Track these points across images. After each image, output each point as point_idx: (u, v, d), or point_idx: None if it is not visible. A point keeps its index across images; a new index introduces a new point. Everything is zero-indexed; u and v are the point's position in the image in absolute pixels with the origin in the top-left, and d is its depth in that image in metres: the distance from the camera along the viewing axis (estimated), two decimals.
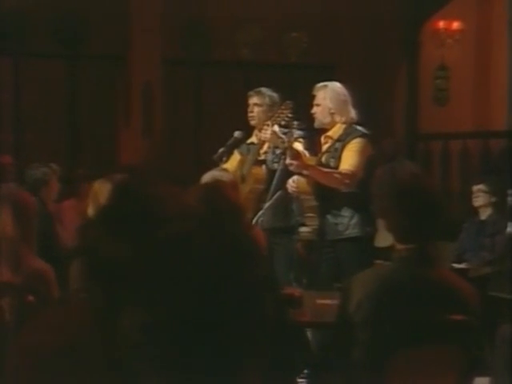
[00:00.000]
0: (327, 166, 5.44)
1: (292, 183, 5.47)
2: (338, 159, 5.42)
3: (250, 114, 6.09)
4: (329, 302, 3.90)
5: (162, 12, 8.81)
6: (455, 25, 9.63)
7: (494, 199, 6.84)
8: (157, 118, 8.86)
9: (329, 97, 5.50)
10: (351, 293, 2.89)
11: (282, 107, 5.85)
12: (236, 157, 6.17)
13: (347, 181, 5.30)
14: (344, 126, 5.49)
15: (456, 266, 6.45)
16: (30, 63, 8.72)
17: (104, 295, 1.71)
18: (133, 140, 8.82)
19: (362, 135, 5.46)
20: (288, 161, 5.28)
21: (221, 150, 6.17)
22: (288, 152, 5.33)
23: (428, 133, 9.19)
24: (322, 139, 5.62)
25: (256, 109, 6.04)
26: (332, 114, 5.48)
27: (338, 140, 5.47)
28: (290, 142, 5.55)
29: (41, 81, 8.70)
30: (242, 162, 6.08)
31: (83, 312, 1.74)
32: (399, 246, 2.94)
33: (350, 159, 5.37)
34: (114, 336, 1.68)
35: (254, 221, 5.32)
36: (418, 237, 2.89)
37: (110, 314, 1.70)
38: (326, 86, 5.57)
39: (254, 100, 6.06)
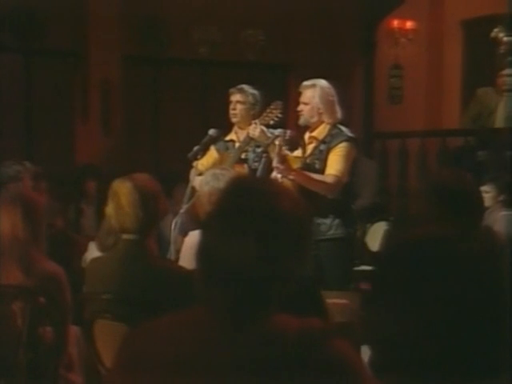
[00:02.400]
0: (312, 167, 5.42)
1: None
2: (324, 162, 5.39)
3: (232, 112, 6.05)
4: None
5: (120, 9, 8.70)
6: (409, 24, 9.78)
7: None
8: (115, 115, 8.74)
9: (318, 96, 5.46)
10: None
11: (272, 107, 5.83)
12: (212, 154, 6.11)
13: (333, 188, 5.30)
14: (329, 126, 5.47)
15: None
16: None
17: (228, 298, 1.69)
18: (91, 137, 8.69)
19: (348, 139, 5.42)
20: (275, 164, 5.25)
21: (195, 147, 6.09)
22: (275, 155, 5.29)
23: (383, 131, 9.29)
24: (306, 139, 5.58)
25: (239, 106, 6.01)
26: (320, 114, 5.45)
27: (323, 142, 5.44)
28: (280, 145, 5.51)
29: None
30: (220, 160, 6.02)
31: (204, 319, 1.71)
32: None
33: (336, 164, 5.33)
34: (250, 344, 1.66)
35: None
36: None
37: (241, 319, 1.68)
38: (314, 84, 5.53)
39: (236, 97, 6.02)
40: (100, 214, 7.87)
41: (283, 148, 5.35)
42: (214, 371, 1.66)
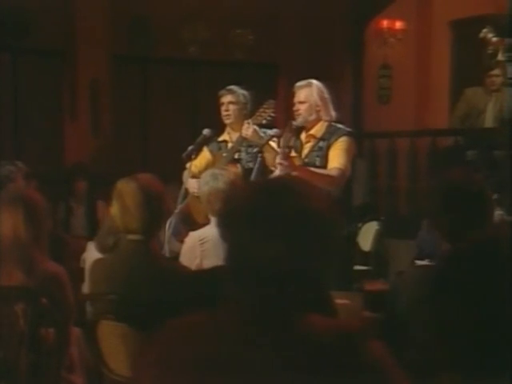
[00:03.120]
0: (312, 165, 5.42)
1: None
2: (325, 158, 5.41)
3: (224, 113, 6.03)
4: None
5: (109, 7, 8.66)
6: (398, 24, 9.79)
7: None
8: (104, 114, 8.70)
9: (316, 93, 5.51)
10: (401, 292, 2.90)
11: (265, 106, 5.84)
12: (205, 155, 6.10)
13: (338, 181, 5.30)
14: (326, 124, 5.51)
15: (419, 263, 6.53)
16: None
17: (259, 297, 1.68)
18: (80, 137, 8.64)
19: (348, 133, 5.48)
20: (278, 160, 5.24)
21: (190, 147, 6.08)
22: (279, 152, 5.30)
23: (372, 131, 9.31)
24: (304, 138, 5.59)
25: (231, 107, 6.00)
26: (318, 112, 5.49)
27: (322, 139, 5.46)
28: (286, 139, 5.50)
29: None
30: (214, 160, 6.01)
31: (234, 318, 1.70)
32: (446, 246, 2.97)
33: (338, 158, 5.36)
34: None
35: None
36: (465, 236, 2.92)
37: (271, 321, 1.67)
38: (310, 83, 5.58)
39: (228, 98, 6.02)
40: (90, 214, 7.89)
41: (291, 139, 5.35)
42: (244, 371, 1.65)
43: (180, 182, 7.54)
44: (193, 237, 4.30)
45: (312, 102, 5.51)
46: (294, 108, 5.57)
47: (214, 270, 3.36)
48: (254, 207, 1.75)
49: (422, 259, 6.73)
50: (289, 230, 1.67)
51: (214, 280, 3.15)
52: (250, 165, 5.81)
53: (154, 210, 3.35)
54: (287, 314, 1.68)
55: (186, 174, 6.06)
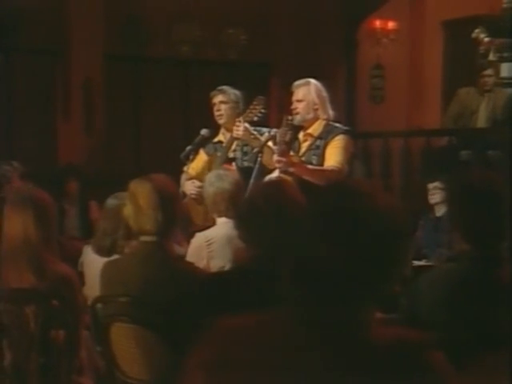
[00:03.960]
0: (309, 163, 5.44)
1: None
2: (321, 157, 5.43)
3: (217, 113, 6.01)
4: None
5: (102, 7, 8.62)
6: (390, 24, 9.79)
7: None
8: (97, 114, 8.65)
9: (314, 92, 5.53)
10: (423, 293, 2.89)
11: (255, 103, 5.84)
12: (202, 157, 6.07)
13: (336, 177, 5.30)
14: (324, 122, 5.53)
15: (416, 263, 6.51)
16: None
17: (318, 299, 1.66)
18: (73, 136, 8.58)
19: (345, 132, 5.51)
20: (276, 158, 5.24)
21: (188, 148, 6.04)
22: (277, 149, 5.30)
23: (365, 131, 9.30)
24: (301, 137, 5.61)
25: (223, 106, 5.98)
26: (316, 110, 5.51)
27: (319, 137, 5.48)
28: (265, 140, 5.54)
29: None
30: (210, 161, 5.99)
31: (290, 320, 1.67)
32: (466, 246, 2.95)
33: (335, 156, 5.38)
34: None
35: None
36: (486, 236, 2.91)
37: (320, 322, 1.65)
38: (308, 81, 5.61)
39: (219, 98, 6.00)
40: (82, 215, 7.83)
41: (287, 134, 5.34)
42: (298, 373, 1.63)
43: (175, 182, 7.51)
44: (199, 237, 4.27)
45: (310, 100, 5.52)
46: (292, 106, 5.58)
47: (230, 272, 3.33)
48: (313, 208, 1.73)
49: (419, 259, 6.74)
50: (349, 230, 1.65)
51: (231, 282, 3.13)
52: (245, 164, 5.79)
53: (168, 211, 3.31)
54: (344, 316, 1.65)
55: (183, 177, 6.02)
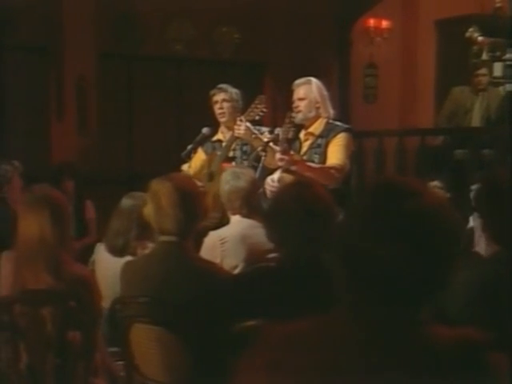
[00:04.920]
0: (311, 162, 5.43)
1: (272, 182, 5.33)
2: (323, 155, 5.43)
3: (219, 111, 5.99)
4: None
5: (95, 5, 8.54)
6: (384, 23, 9.79)
7: (448, 195, 6.98)
8: (91, 112, 8.58)
9: (315, 90, 5.54)
10: (454, 293, 2.87)
11: (256, 102, 5.82)
12: (200, 156, 6.04)
13: (338, 175, 5.30)
14: (325, 121, 5.54)
15: None
16: None
17: (376, 301, 1.64)
18: (67, 135, 8.50)
19: (346, 130, 5.54)
20: (278, 156, 5.22)
21: (189, 146, 6.01)
22: (279, 146, 5.29)
23: (358, 130, 9.27)
24: (302, 136, 5.61)
25: (225, 105, 5.97)
26: (317, 108, 5.53)
27: (321, 136, 5.49)
28: (269, 140, 5.52)
29: None
30: (209, 160, 5.95)
31: (344, 325, 1.65)
32: (496, 247, 2.94)
33: (337, 154, 5.39)
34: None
35: None
36: None
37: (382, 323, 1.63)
38: (310, 80, 5.62)
39: (221, 96, 5.98)
40: (78, 214, 7.75)
41: (290, 131, 5.33)
42: (358, 375, 1.61)
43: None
44: (213, 236, 4.24)
45: (312, 98, 5.53)
46: (294, 105, 5.58)
47: (252, 273, 3.30)
48: (370, 209, 1.70)
49: None
50: (408, 230, 1.63)
51: (253, 282, 3.10)
52: (245, 163, 5.77)
53: (189, 211, 3.27)
54: (407, 316, 1.64)
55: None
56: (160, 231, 3.31)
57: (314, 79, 5.67)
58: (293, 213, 2.77)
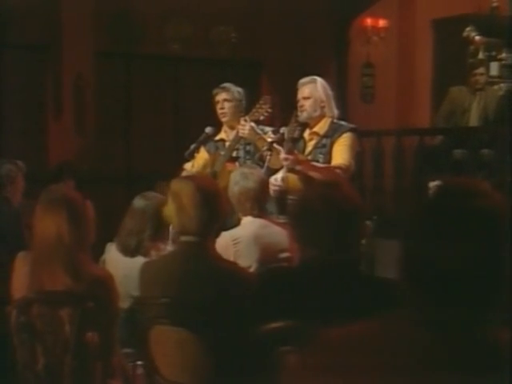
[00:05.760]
0: (316, 162, 5.41)
1: (275, 182, 5.31)
2: (328, 155, 5.43)
3: (220, 111, 5.96)
4: None
5: (93, 4, 8.51)
6: (381, 23, 9.79)
7: None
8: (89, 111, 8.53)
9: (321, 89, 5.53)
10: None
11: (261, 102, 5.82)
12: (203, 155, 6.01)
13: (344, 175, 5.28)
14: (329, 120, 5.54)
15: None
16: None
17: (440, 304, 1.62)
18: (64, 135, 8.45)
19: (351, 130, 5.53)
20: (283, 155, 5.22)
21: (192, 146, 5.97)
22: (284, 146, 5.29)
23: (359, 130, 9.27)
24: (307, 136, 5.59)
25: (227, 104, 5.94)
26: (322, 107, 5.52)
27: (326, 136, 5.48)
28: (274, 140, 5.52)
29: None
30: (212, 160, 5.93)
31: (406, 328, 1.64)
32: None
33: (342, 154, 5.39)
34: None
35: None
36: None
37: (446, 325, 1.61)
38: (314, 79, 5.61)
39: (223, 96, 5.95)
40: None
41: (296, 131, 5.33)
42: (424, 375, 1.59)
43: (170, 179, 7.42)
44: (225, 237, 4.20)
45: (317, 97, 5.52)
46: (299, 104, 5.57)
47: (277, 273, 3.27)
48: (430, 210, 1.69)
49: None
50: (474, 229, 1.62)
51: (279, 283, 3.07)
52: (249, 163, 5.76)
53: (211, 211, 3.25)
54: (470, 318, 1.62)
55: (183, 174, 5.94)
56: (181, 231, 3.28)
57: (319, 78, 5.65)
58: (322, 213, 2.74)
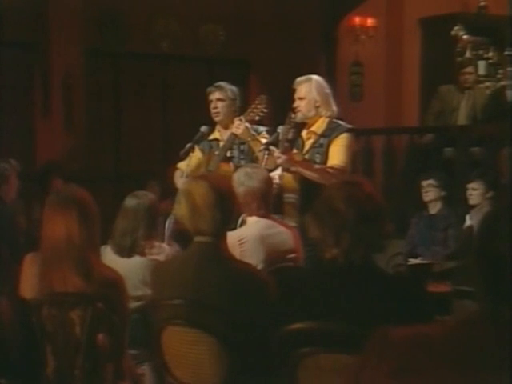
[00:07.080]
0: (312, 162, 5.39)
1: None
2: (325, 155, 5.39)
3: (214, 110, 5.90)
4: None
5: (81, 2, 8.44)
6: (369, 21, 9.80)
7: (443, 193, 7.00)
8: (77, 109, 8.47)
9: (315, 89, 5.48)
10: None
11: (256, 102, 5.77)
12: (197, 154, 5.94)
13: (337, 177, 5.25)
14: (327, 120, 5.49)
15: (413, 261, 6.47)
16: None
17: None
18: (52, 133, 8.38)
19: (348, 130, 5.50)
20: (277, 154, 5.20)
21: (187, 145, 5.92)
22: (279, 146, 5.27)
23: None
24: (305, 135, 5.56)
25: (220, 104, 5.88)
26: (317, 108, 5.47)
27: (323, 135, 5.44)
28: (284, 133, 5.47)
29: None
30: (207, 159, 5.89)
31: (482, 325, 1.62)
32: None
33: (338, 154, 5.35)
34: None
35: None
36: None
37: None
38: (310, 78, 5.56)
39: (216, 95, 5.89)
40: None
41: (290, 132, 5.31)
42: (500, 375, 1.57)
43: (160, 178, 7.40)
44: (231, 237, 4.15)
45: (311, 98, 5.48)
46: (295, 104, 5.53)
47: (291, 272, 3.25)
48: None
49: (414, 257, 6.72)
50: None
51: (304, 282, 3.04)
52: (242, 162, 5.72)
53: (225, 210, 3.22)
54: None
55: (177, 174, 5.90)
56: (195, 231, 3.24)
57: (315, 77, 5.61)
58: (344, 213, 2.73)
